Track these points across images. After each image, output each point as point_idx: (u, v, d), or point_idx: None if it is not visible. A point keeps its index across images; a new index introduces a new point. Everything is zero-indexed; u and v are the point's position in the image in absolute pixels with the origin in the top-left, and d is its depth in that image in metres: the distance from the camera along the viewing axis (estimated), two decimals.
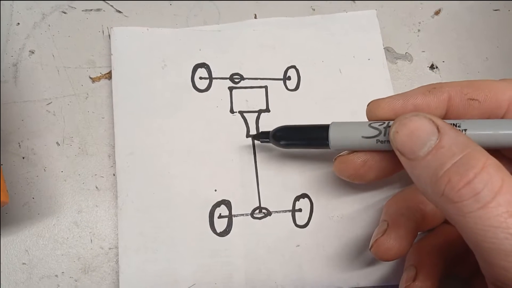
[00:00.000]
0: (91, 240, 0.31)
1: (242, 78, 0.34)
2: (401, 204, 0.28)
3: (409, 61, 0.37)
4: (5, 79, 0.33)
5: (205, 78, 0.34)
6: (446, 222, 0.29)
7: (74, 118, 0.33)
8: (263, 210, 0.32)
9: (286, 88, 0.34)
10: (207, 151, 0.33)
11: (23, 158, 0.32)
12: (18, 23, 0.35)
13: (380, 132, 0.25)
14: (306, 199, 0.32)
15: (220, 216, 0.32)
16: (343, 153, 0.28)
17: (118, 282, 0.30)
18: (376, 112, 0.26)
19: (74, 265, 0.30)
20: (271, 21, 0.36)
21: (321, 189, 0.33)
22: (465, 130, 0.23)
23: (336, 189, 0.33)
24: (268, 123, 0.33)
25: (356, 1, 0.38)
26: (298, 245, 0.31)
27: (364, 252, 0.32)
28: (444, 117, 0.25)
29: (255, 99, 0.34)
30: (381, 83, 0.35)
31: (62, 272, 0.30)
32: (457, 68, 0.37)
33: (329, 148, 0.27)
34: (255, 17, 0.36)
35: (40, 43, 0.35)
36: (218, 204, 0.32)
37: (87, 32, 0.35)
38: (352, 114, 0.34)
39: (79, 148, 0.32)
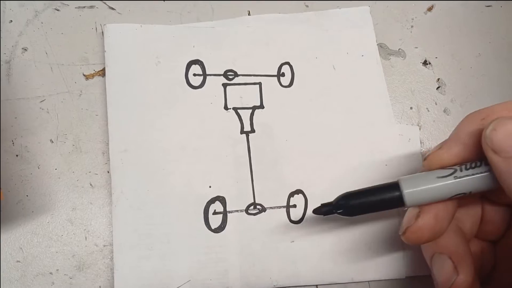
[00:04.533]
0: (86, 238, 0.31)
1: (236, 74, 0.34)
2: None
3: (402, 57, 0.37)
4: None
5: (199, 75, 0.34)
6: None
7: (67, 115, 0.33)
8: (258, 206, 0.32)
9: (280, 84, 0.35)
10: (202, 147, 0.33)
11: (17, 155, 0.32)
12: (11, 21, 0.35)
13: (456, 170, 0.23)
14: (300, 195, 0.32)
15: (215, 213, 0.32)
16: (407, 224, 0.25)
17: (113, 279, 0.30)
18: (440, 164, 0.24)
19: (69, 262, 0.30)
20: (265, 18, 0.36)
21: (315, 185, 0.33)
22: None
23: (330, 185, 0.33)
24: (262, 119, 0.33)
25: None
26: (293, 241, 0.32)
27: (358, 248, 0.32)
28: None
29: (249, 96, 0.34)
30: (374, 79, 0.35)
31: (57, 270, 0.30)
32: (450, 64, 0.37)
33: (403, 207, 0.25)
34: (249, 14, 0.36)
35: (33, 41, 0.34)
36: (212, 201, 0.32)
37: (81, 29, 0.35)
38: (344, 111, 0.34)
39: (73, 145, 0.32)
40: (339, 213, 0.26)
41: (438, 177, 0.23)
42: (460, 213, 0.27)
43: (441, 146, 0.24)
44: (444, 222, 0.25)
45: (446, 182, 0.23)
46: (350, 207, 0.26)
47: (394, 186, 0.24)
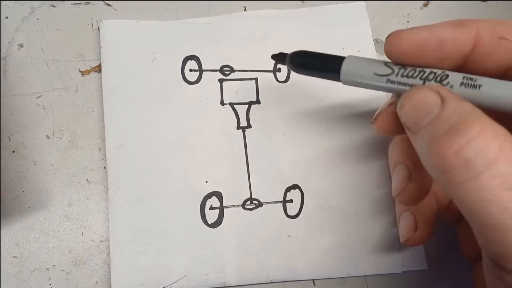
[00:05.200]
0: (82, 233, 0.31)
1: (232, 70, 0.34)
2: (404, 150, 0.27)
3: None
4: None
5: (195, 70, 0.34)
6: None
7: (64, 111, 0.33)
8: (254, 201, 0.32)
9: (276, 80, 0.35)
10: (198, 143, 0.33)
11: (13, 151, 0.32)
12: (7, 17, 0.35)
13: (393, 72, 0.23)
14: (297, 189, 0.32)
15: (211, 208, 0.32)
16: (379, 112, 0.26)
17: (110, 274, 0.30)
18: (397, 44, 0.23)
19: (65, 258, 0.30)
20: (261, 14, 0.36)
21: (312, 180, 0.33)
22: (480, 86, 0.21)
23: (327, 180, 0.33)
24: (259, 115, 0.34)
25: None
26: (289, 236, 0.32)
27: (355, 242, 0.32)
28: (470, 55, 0.23)
29: (245, 91, 0.34)
30: None
31: (53, 265, 0.30)
32: None
33: (339, 81, 0.26)
34: (245, 10, 0.36)
35: (29, 37, 0.34)
36: (209, 196, 0.32)
37: (77, 25, 0.35)
38: (341, 106, 0.34)
39: (69, 141, 0.32)
40: (290, 66, 0.29)
41: (376, 74, 0.24)
42: None
43: (406, 30, 0.24)
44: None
45: (380, 78, 0.24)
46: (299, 62, 0.28)
47: (340, 60, 0.26)
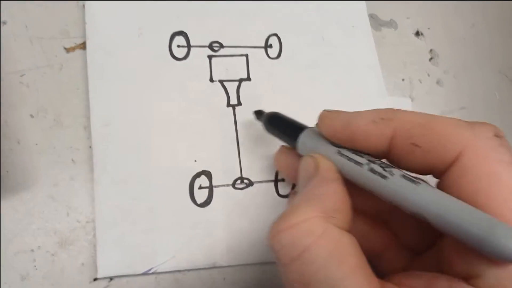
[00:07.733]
0: (68, 214, 0.30)
1: (221, 46, 0.33)
2: None
3: (394, 28, 0.36)
4: None
5: (183, 46, 0.33)
6: None
7: (48, 89, 0.32)
8: (245, 181, 0.31)
9: (268, 56, 0.34)
10: (187, 121, 0.32)
11: None
12: None
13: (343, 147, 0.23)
14: None
15: (201, 187, 0.31)
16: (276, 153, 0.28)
17: (96, 255, 0.29)
18: (322, 126, 0.24)
19: (51, 239, 0.30)
20: None
21: None
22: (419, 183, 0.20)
23: None
24: (249, 92, 0.32)
25: None
26: None
27: None
28: (387, 155, 0.22)
29: (235, 68, 0.33)
30: (365, 51, 0.34)
31: (38, 247, 0.29)
32: (442, 35, 0.36)
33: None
34: None
35: (12, 14, 0.33)
36: (198, 175, 0.31)
37: (61, 1, 0.34)
38: (334, 84, 0.33)
39: (54, 120, 0.31)
40: (263, 125, 0.29)
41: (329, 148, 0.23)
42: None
43: (332, 113, 0.24)
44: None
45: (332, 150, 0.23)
46: (267, 122, 0.29)
47: (300, 130, 0.26)
